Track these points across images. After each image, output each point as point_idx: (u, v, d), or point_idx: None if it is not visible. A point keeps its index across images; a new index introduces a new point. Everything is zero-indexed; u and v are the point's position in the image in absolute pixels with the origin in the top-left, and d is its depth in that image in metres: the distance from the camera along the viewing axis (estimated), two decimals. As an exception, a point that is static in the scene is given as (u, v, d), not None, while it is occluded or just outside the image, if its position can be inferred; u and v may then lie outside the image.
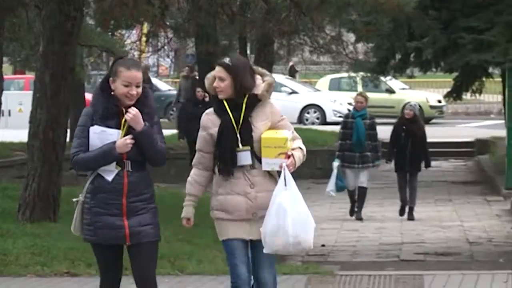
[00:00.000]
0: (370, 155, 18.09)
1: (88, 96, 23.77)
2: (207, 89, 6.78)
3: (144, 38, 27.98)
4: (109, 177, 6.34)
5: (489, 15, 20.63)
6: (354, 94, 22.52)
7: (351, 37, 28.76)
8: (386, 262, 14.30)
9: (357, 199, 18.58)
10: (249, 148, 6.55)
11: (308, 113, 36.98)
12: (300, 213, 6.54)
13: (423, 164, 18.33)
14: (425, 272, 11.24)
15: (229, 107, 6.59)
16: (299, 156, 6.56)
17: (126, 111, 6.29)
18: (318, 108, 36.39)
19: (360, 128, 17.68)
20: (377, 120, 19.74)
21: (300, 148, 6.62)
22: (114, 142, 6.28)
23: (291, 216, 6.43)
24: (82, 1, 15.19)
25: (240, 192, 6.58)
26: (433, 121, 35.84)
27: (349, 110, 22.95)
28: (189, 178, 6.83)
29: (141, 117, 6.30)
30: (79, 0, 14.65)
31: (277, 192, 6.49)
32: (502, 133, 25.30)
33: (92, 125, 6.34)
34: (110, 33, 21.82)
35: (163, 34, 27.82)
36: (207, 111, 6.82)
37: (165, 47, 31.35)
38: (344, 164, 17.98)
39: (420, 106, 27.95)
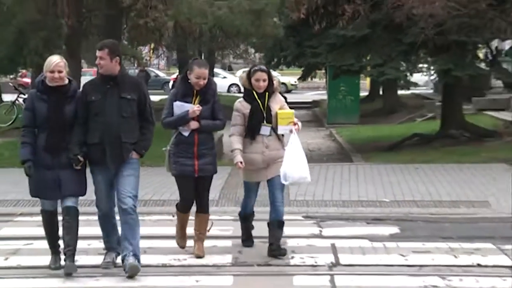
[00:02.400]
0: None
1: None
2: (242, 84, 9.13)
3: (151, 51, 41.56)
4: (186, 134, 8.29)
5: (319, 39, 25.37)
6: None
7: (253, 50, 43.01)
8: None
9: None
10: (271, 125, 8.74)
11: (231, 87, 53.54)
12: (303, 161, 8.81)
13: None
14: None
15: (258, 97, 8.76)
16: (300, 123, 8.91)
17: (197, 92, 8.41)
18: (236, 85, 50.20)
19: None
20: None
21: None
22: (187, 111, 8.19)
23: (298, 164, 8.76)
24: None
25: (258, 151, 8.77)
26: (293, 92, 53.90)
27: None
28: (232, 140, 8.92)
29: (196, 123, 8.41)
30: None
31: (288, 148, 8.78)
32: (325, 97, 37.47)
33: (175, 100, 8.32)
34: (135, 48, 30.55)
35: (161, 49, 40.96)
36: (239, 100, 8.94)
37: (162, 55, 46.00)
38: None
39: (285, 84, 41.96)
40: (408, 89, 30.25)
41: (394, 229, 11.02)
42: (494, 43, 30.76)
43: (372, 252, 9.63)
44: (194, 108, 8.18)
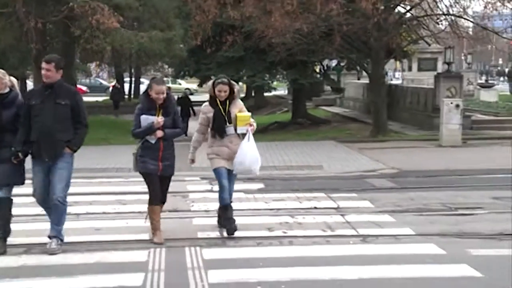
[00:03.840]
0: None
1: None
2: (208, 92, 7.69)
3: (97, 66, 40.16)
4: (153, 141, 7.14)
5: (211, 58, 24.44)
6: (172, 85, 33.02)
7: (167, 66, 41.15)
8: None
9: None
10: (232, 125, 7.48)
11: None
12: (254, 156, 7.50)
13: None
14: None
15: (220, 103, 7.49)
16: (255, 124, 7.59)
17: (159, 106, 7.14)
18: None
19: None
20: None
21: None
22: (153, 122, 7.06)
23: (249, 157, 7.43)
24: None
25: (224, 145, 7.51)
26: (195, 94, 44.26)
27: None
28: (193, 138, 7.78)
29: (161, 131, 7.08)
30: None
31: (243, 143, 7.44)
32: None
33: (142, 114, 7.14)
34: (85, 64, 31.18)
35: (103, 65, 40.35)
36: (205, 103, 7.64)
37: (104, 69, 44.62)
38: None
39: (189, 89, 41.44)
40: (271, 92, 30.41)
41: (261, 185, 10.99)
42: (325, 62, 31.53)
43: (246, 201, 9.60)
44: (158, 119, 7.06)
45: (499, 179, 11.33)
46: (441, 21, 20.34)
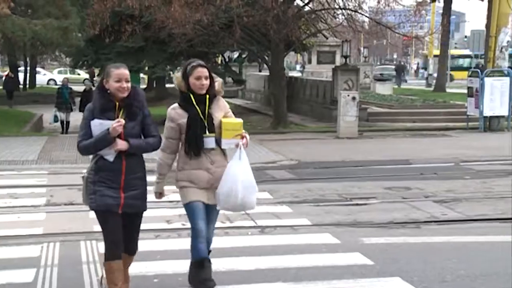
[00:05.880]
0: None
1: None
2: (177, 85, 5.03)
3: None
4: (111, 158, 4.64)
5: (110, 48, 24.63)
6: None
7: (64, 55, 39.28)
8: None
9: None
10: (214, 134, 4.93)
11: (49, 82, 46.10)
12: (249, 182, 4.92)
13: None
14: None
15: (196, 102, 4.91)
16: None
17: (119, 105, 4.67)
18: (53, 80, 45.32)
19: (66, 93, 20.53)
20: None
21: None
22: (108, 129, 4.57)
23: (241, 184, 4.86)
24: None
25: (203, 168, 4.94)
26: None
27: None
28: (159, 160, 5.08)
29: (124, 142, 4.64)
30: None
31: (232, 163, 4.89)
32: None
33: (93, 118, 4.65)
34: None
35: None
36: (173, 106, 5.04)
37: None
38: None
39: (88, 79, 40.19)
40: (172, 83, 30.22)
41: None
42: (227, 53, 31.70)
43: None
44: (113, 124, 4.59)
45: (391, 169, 11.83)
46: (338, 15, 20.90)
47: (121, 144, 4.65)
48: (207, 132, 4.93)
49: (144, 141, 4.79)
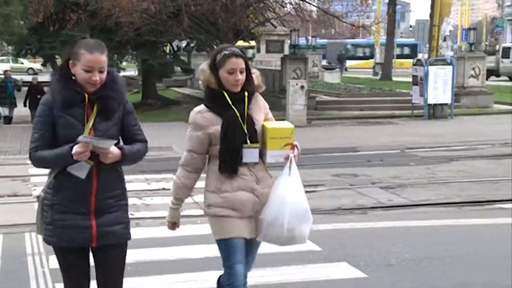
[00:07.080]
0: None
1: None
2: (204, 80, 3.66)
3: None
4: (83, 175, 3.16)
5: (54, 37, 23.33)
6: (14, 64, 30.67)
7: (6, 44, 37.75)
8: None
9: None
10: (258, 145, 3.66)
11: None
12: (299, 206, 3.65)
13: None
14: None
15: (232, 102, 3.61)
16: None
17: (89, 99, 3.17)
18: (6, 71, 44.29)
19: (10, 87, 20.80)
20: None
21: None
22: (73, 146, 3.06)
23: (289, 209, 3.60)
24: None
25: (247, 189, 3.66)
26: (39, 74, 36.62)
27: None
28: (176, 180, 3.83)
29: (116, 152, 3.19)
30: None
31: (280, 181, 3.66)
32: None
33: (53, 115, 3.15)
34: None
35: None
36: (198, 109, 3.68)
37: None
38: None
39: (33, 68, 38.97)
40: (119, 72, 29.54)
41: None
42: (175, 42, 31.49)
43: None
44: (77, 148, 3.09)
45: (339, 157, 11.99)
46: (286, 4, 21.00)
47: (112, 158, 3.20)
48: (248, 141, 3.65)
49: (135, 148, 3.36)
